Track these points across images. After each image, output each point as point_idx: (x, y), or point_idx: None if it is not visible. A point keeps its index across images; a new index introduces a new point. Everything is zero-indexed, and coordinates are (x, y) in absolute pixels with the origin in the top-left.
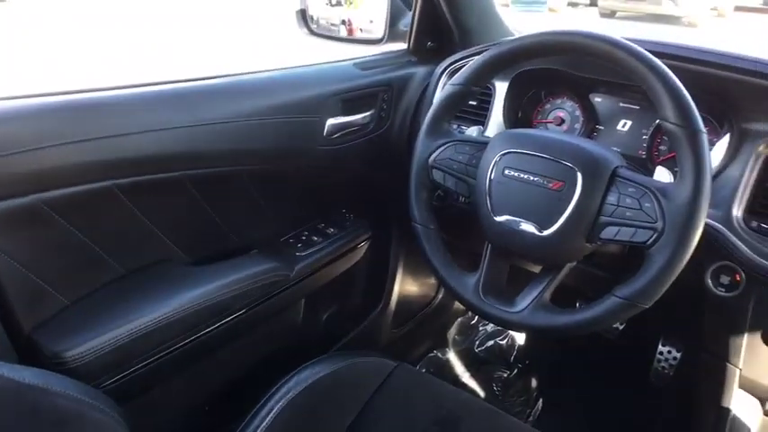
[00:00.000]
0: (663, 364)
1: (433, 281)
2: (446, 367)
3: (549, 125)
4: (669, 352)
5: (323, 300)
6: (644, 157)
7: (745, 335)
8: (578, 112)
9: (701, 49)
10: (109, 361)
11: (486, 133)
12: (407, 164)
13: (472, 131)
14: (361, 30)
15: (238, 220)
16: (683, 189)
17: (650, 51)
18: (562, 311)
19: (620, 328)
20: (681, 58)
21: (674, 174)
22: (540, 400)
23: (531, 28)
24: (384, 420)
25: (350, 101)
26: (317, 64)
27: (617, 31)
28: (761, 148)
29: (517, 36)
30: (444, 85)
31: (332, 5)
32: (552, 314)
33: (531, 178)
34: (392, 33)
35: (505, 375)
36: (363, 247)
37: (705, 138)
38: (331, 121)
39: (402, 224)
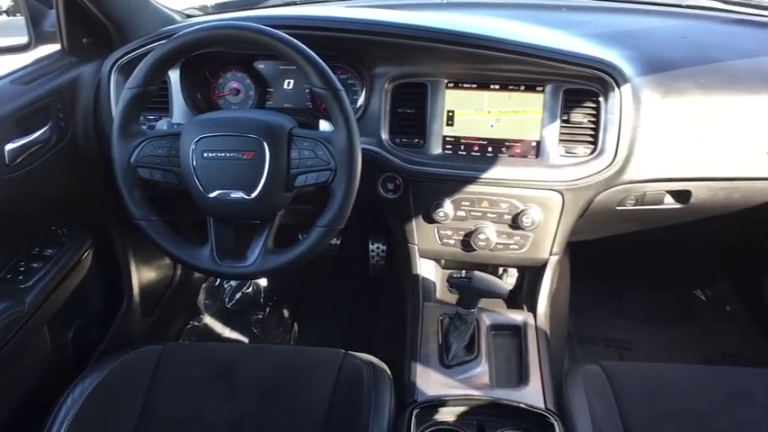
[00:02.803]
0: (376, 258)
1: (167, 261)
2: (207, 331)
3: (227, 98)
4: (378, 248)
5: (67, 319)
6: (311, 107)
7: (414, 221)
8: (249, 81)
9: (332, 19)
10: None
11: (174, 120)
12: (105, 165)
13: (162, 125)
14: None
15: None
16: (341, 135)
17: (293, 27)
18: (284, 251)
19: (338, 244)
20: (318, 29)
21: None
22: (296, 325)
23: None
24: (169, 397)
25: (23, 120)
26: None
27: None
28: (386, 85)
29: (178, 26)
30: (117, 83)
31: None
32: (278, 256)
33: (228, 155)
34: (39, 36)
35: (260, 317)
36: (89, 255)
37: (344, 94)
38: (9, 147)
39: (120, 220)
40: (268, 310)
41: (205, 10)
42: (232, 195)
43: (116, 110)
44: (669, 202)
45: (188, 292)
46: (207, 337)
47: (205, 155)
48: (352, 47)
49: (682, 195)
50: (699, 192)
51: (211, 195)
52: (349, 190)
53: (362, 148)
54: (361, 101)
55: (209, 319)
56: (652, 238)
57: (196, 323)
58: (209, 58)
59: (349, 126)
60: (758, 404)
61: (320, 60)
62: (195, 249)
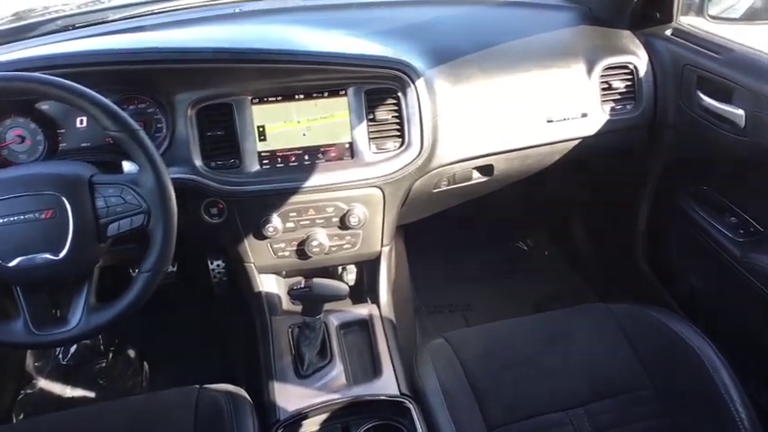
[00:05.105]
0: (218, 277)
1: None
2: (44, 397)
3: (11, 147)
4: (218, 265)
5: None
6: (112, 142)
7: (245, 240)
8: (33, 125)
9: (116, 51)
10: None
11: None
12: None
13: None
14: None
15: None
16: (147, 176)
17: (73, 65)
18: (110, 305)
19: (174, 270)
20: (101, 63)
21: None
22: (146, 365)
23: None
24: None
25: None
26: None
27: None
28: (189, 110)
29: None
30: None
31: None
32: (104, 312)
33: (23, 218)
34: None
35: (104, 365)
36: None
37: (142, 133)
38: None
39: None
40: (111, 355)
41: None
42: (38, 259)
43: None
44: (477, 177)
45: (12, 359)
46: (45, 404)
47: None
48: (144, 77)
49: (486, 169)
50: (499, 164)
51: (12, 264)
52: (168, 229)
53: (176, 179)
54: (165, 130)
55: (44, 383)
56: (473, 207)
57: (29, 390)
58: None
59: (154, 164)
60: (575, 339)
61: (108, 102)
62: (5, 324)
